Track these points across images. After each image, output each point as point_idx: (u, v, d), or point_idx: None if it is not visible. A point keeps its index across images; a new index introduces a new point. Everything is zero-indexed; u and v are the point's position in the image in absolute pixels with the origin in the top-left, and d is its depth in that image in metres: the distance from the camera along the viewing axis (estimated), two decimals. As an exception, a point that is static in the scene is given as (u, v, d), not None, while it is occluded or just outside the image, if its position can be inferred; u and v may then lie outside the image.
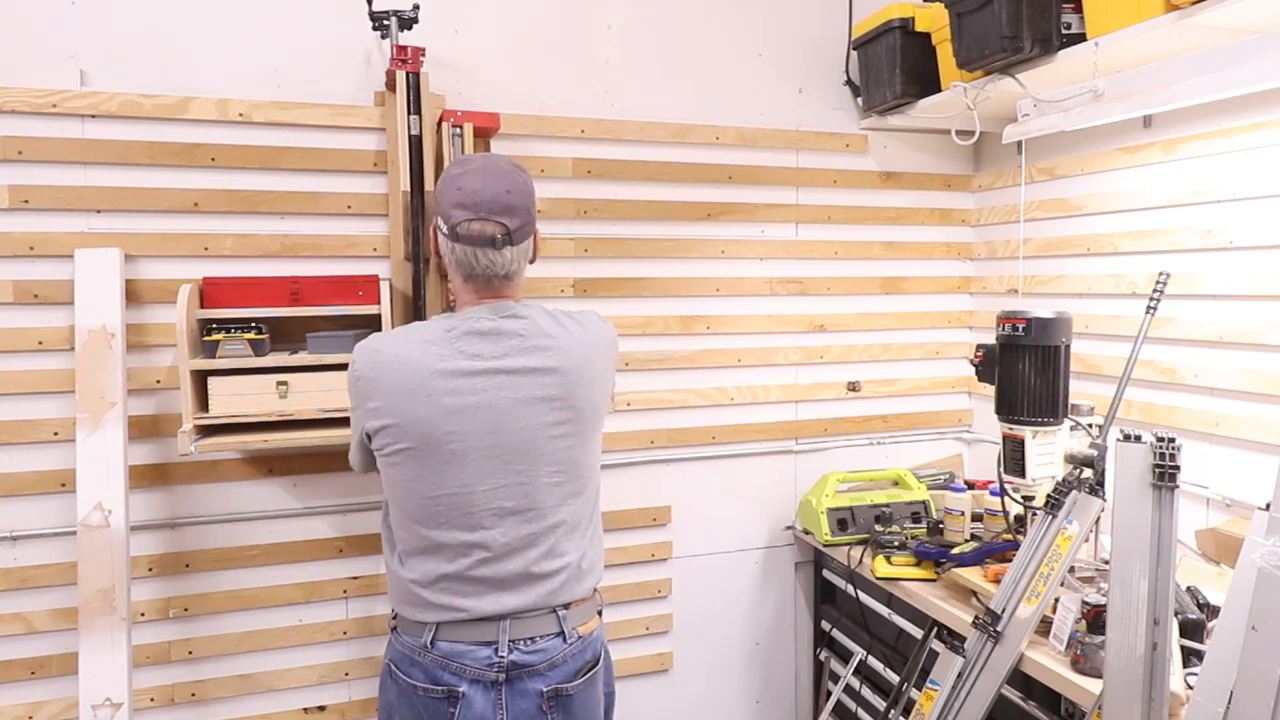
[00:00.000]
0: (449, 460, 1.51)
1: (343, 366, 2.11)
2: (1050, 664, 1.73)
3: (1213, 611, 1.71)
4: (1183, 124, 2.14)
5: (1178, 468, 1.49)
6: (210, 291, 2.12)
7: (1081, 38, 1.98)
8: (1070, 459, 1.93)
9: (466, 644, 1.53)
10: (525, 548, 1.55)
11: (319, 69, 2.25)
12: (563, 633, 1.58)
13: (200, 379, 2.06)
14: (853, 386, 2.82)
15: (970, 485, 2.51)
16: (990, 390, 2.08)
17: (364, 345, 1.57)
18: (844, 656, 2.59)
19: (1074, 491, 1.85)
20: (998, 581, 1.92)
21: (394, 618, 1.64)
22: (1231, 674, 1.31)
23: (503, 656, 1.52)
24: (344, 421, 2.12)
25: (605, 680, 1.68)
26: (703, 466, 2.68)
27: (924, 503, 2.54)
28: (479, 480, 1.52)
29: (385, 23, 2.19)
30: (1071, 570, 1.87)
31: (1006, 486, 2.05)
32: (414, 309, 2.23)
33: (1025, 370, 1.98)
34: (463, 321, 1.55)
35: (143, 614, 2.20)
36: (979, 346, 2.09)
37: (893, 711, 2.21)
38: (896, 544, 2.30)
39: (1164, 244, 2.20)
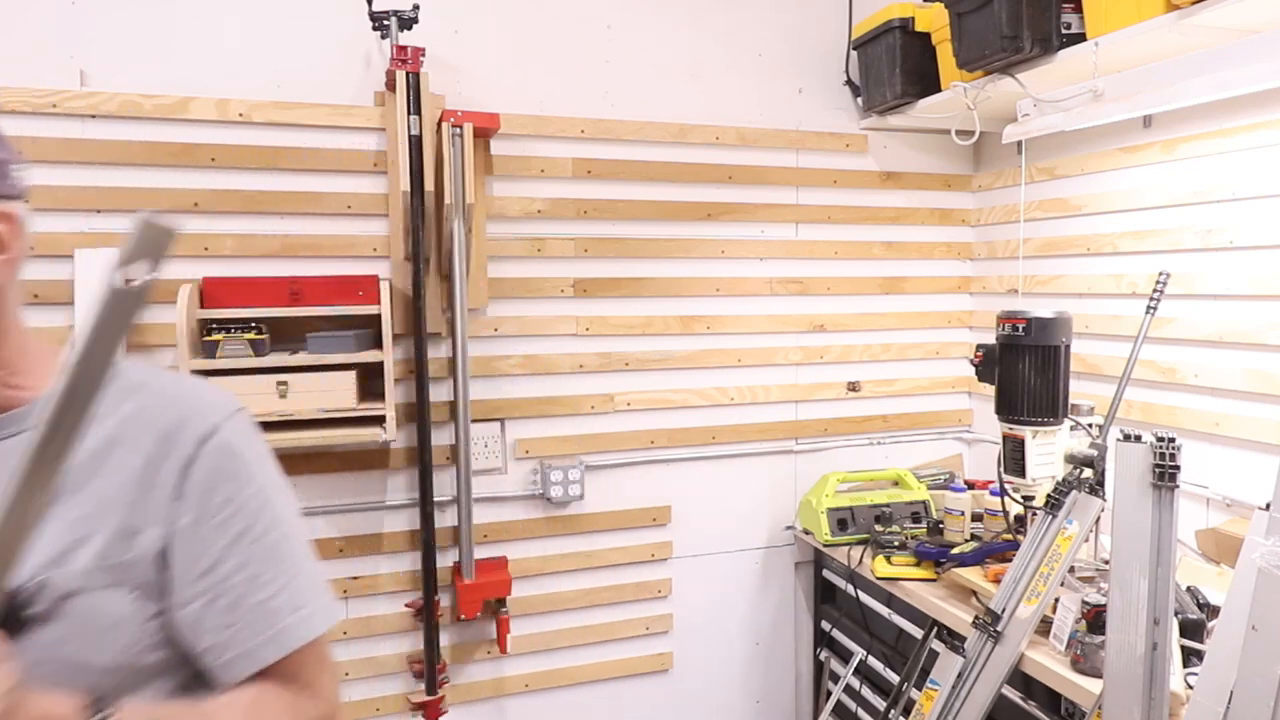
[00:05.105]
0: None
1: (343, 367, 2.13)
2: (1050, 664, 1.73)
3: (1213, 611, 1.71)
4: (1183, 124, 2.14)
5: (1178, 468, 1.49)
6: (210, 291, 2.12)
7: (1081, 38, 1.98)
8: (1070, 459, 1.93)
9: None
10: None
11: (319, 69, 2.25)
12: None
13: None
14: (853, 386, 2.81)
15: (970, 485, 2.51)
16: (990, 390, 2.08)
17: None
18: (844, 656, 2.59)
19: (1074, 491, 1.85)
20: (998, 581, 1.92)
21: None
22: (1231, 674, 1.31)
23: None
24: (344, 421, 2.13)
25: None
26: (703, 466, 2.68)
27: (924, 503, 2.54)
28: None
29: (385, 23, 2.19)
30: (1071, 570, 1.87)
31: (1006, 486, 2.05)
32: (414, 309, 2.23)
33: (1025, 370, 1.98)
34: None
35: (143, 614, 2.19)
36: (979, 346, 2.09)
37: (893, 711, 2.21)
38: (896, 544, 2.30)
39: (1164, 244, 2.20)
